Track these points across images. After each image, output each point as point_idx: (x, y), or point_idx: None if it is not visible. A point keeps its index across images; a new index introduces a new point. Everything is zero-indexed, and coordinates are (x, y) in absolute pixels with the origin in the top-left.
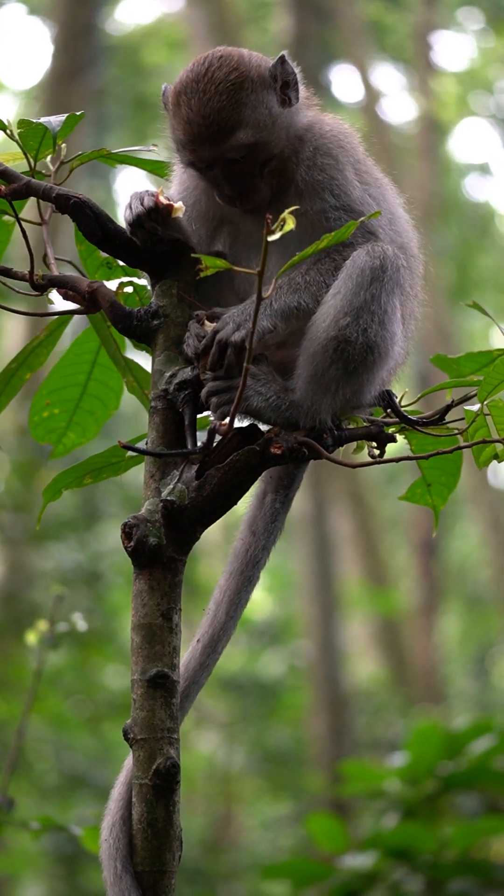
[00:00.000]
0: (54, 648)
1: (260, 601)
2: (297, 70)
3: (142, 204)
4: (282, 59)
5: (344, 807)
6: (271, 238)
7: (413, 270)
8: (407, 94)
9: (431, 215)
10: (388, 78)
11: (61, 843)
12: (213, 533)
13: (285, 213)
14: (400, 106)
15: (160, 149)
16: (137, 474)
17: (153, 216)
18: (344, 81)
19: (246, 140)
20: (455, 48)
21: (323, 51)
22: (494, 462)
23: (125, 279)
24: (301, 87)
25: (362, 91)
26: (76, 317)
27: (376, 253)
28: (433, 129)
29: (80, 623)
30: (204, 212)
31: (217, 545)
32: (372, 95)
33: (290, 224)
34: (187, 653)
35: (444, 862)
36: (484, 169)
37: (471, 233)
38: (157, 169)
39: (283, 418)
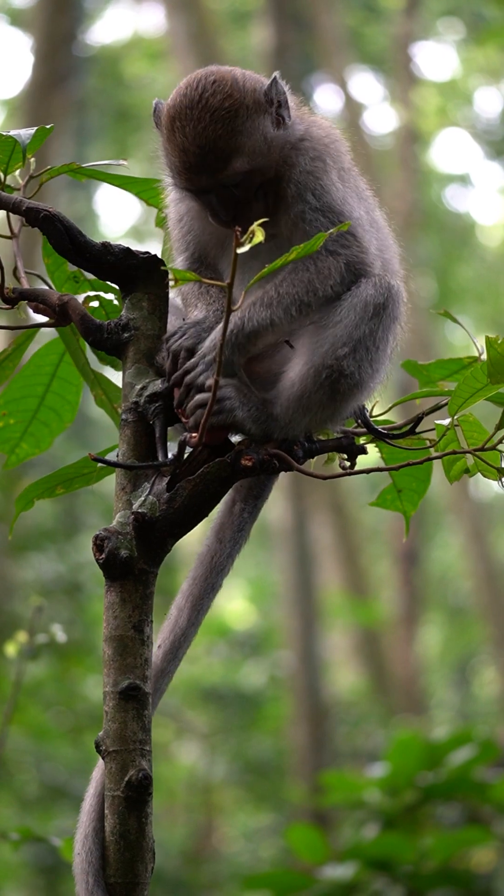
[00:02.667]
0: (33, 659)
1: (241, 612)
2: (286, 87)
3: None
4: (275, 81)
5: (324, 817)
6: (240, 250)
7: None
8: (387, 104)
9: (412, 226)
10: (369, 88)
11: (41, 853)
12: (191, 543)
13: (254, 226)
14: (380, 116)
15: (131, 163)
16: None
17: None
18: (324, 91)
19: (242, 168)
20: (435, 58)
21: (303, 61)
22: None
23: (91, 293)
24: (291, 100)
25: (342, 101)
26: (43, 330)
27: (382, 288)
28: (413, 140)
29: (60, 634)
30: (199, 232)
31: (194, 554)
32: (352, 105)
33: (259, 237)
34: None
35: (424, 872)
36: (464, 179)
37: (451, 243)
38: (126, 184)
39: (261, 430)
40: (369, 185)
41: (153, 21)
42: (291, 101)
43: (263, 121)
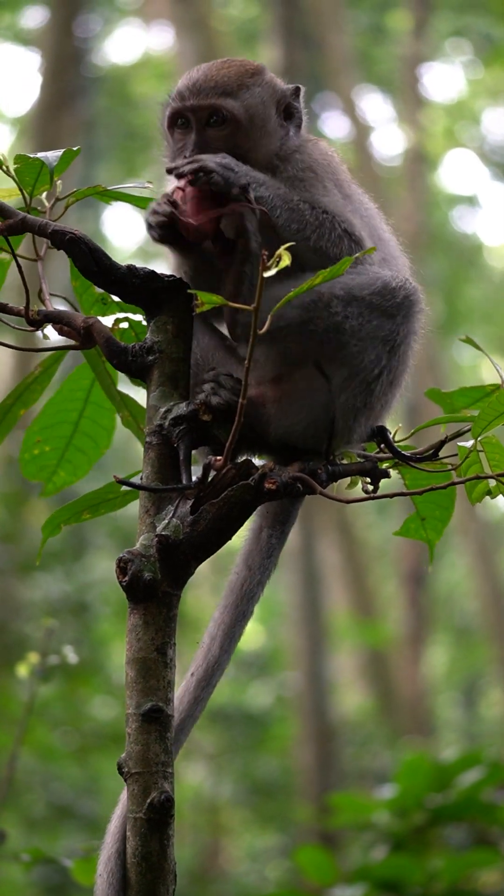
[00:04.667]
0: (45, 681)
1: (248, 632)
2: (304, 111)
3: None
4: (297, 90)
5: (332, 838)
6: (267, 274)
7: None
8: (395, 124)
9: (419, 246)
10: (376, 109)
11: (48, 873)
12: (204, 565)
13: (281, 250)
14: (388, 137)
15: (155, 186)
16: (126, 506)
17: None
18: (331, 112)
19: (233, 109)
20: (443, 80)
21: (311, 81)
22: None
23: (120, 315)
24: (304, 118)
25: (350, 122)
26: (70, 353)
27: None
28: (421, 161)
29: (71, 656)
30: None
31: (205, 577)
32: (359, 126)
33: (286, 260)
34: (182, 686)
35: (433, 894)
36: (472, 201)
37: (459, 264)
38: None
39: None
40: (374, 201)
41: (162, 41)
42: (305, 119)
43: (271, 101)
